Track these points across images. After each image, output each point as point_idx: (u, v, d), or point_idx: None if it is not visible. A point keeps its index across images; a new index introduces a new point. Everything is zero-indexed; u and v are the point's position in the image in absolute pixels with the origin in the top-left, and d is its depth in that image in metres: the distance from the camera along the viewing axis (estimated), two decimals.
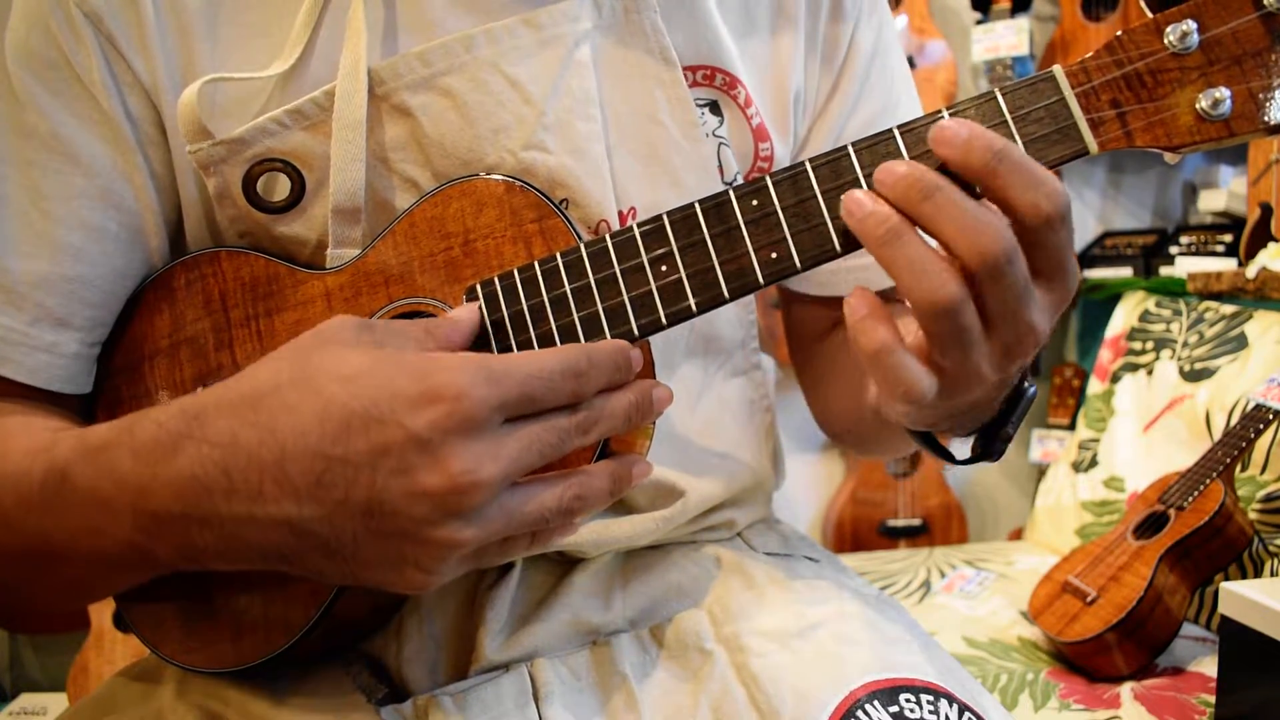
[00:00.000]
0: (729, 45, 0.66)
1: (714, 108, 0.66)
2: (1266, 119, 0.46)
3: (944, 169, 0.46)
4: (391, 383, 0.44)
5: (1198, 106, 0.46)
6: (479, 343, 0.54)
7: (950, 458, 0.59)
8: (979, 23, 2.12)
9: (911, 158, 0.48)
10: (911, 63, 2.10)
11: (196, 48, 0.59)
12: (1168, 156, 0.48)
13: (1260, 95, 0.46)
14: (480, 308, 0.53)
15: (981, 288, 0.45)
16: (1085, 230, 2.24)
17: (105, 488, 0.46)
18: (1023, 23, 2.02)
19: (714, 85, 0.66)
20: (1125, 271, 2.01)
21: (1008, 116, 0.48)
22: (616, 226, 0.61)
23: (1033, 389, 0.55)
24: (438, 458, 0.43)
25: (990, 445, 0.56)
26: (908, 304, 0.46)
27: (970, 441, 0.58)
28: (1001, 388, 0.51)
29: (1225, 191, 1.90)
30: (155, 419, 0.46)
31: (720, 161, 0.66)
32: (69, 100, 0.58)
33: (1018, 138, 0.47)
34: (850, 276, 0.74)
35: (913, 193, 0.45)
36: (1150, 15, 0.48)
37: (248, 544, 0.45)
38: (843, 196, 0.47)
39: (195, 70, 0.58)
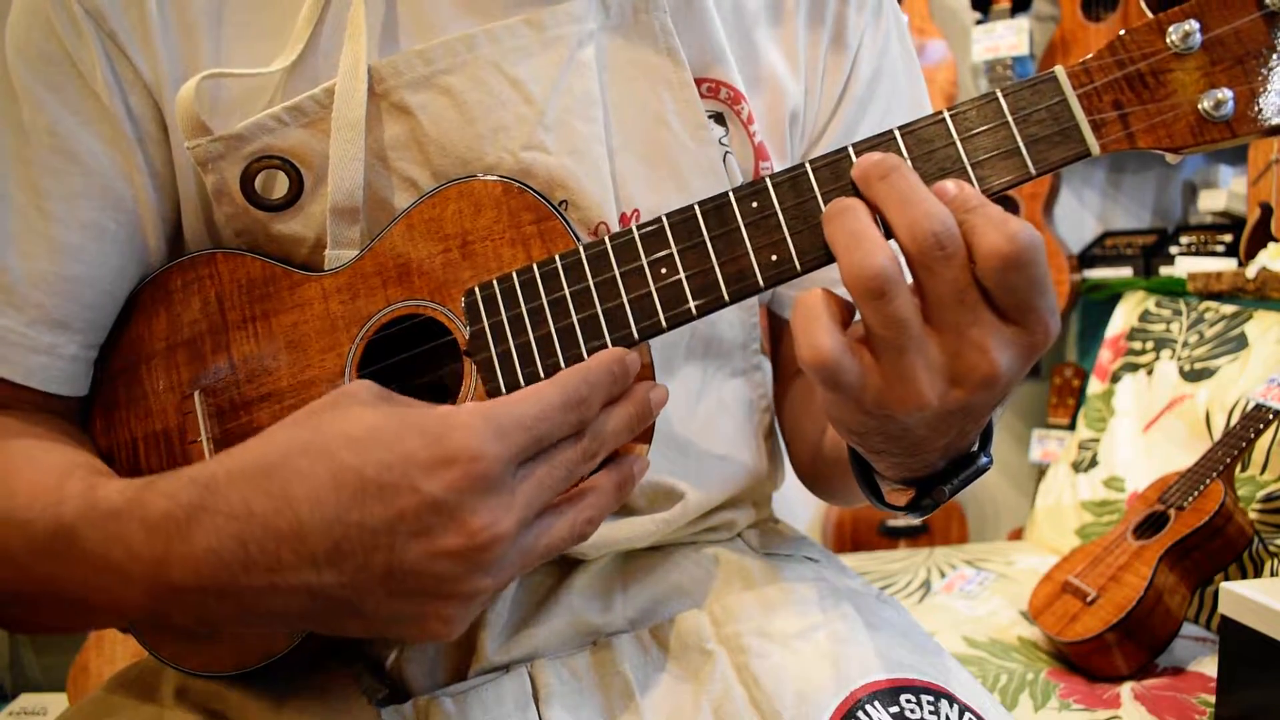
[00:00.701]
0: (732, 61, 0.65)
1: (719, 119, 0.65)
2: (1269, 120, 0.45)
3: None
4: (402, 445, 0.43)
5: (1200, 107, 0.46)
6: (477, 343, 0.54)
7: (880, 500, 0.57)
8: (979, 23, 2.12)
9: (912, 159, 0.48)
10: None
11: (199, 45, 0.58)
12: (1169, 157, 0.48)
13: (1263, 96, 0.45)
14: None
15: (918, 275, 0.44)
16: (1085, 230, 2.24)
17: (118, 556, 0.46)
18: (1023, 23, 2.02)
19: (719, 98, 0.65)
20: (1125, 271, 2.01)
21: (1009, 118, 0.47)
22: (616, 228, 0.60)
23: (987, 460, 0.53)
24: (456, 518, 0.43)
25: (919, 500, 0.54)
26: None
27: (905, 491, 0.55)
28: (961, 441, 0.49)
29: (1225, 191, 1.90)
30: (165, 491, 0.46)
31: (726, 168, 0.65)
32: (70, 98, 0.58)
33: (1019, 139, 0.47)
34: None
35: (872, 172, 0.45)
36: (1150, 15, 0.47)
37: (269, 611, 0.45)
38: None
39: (197, 68, 0.58)
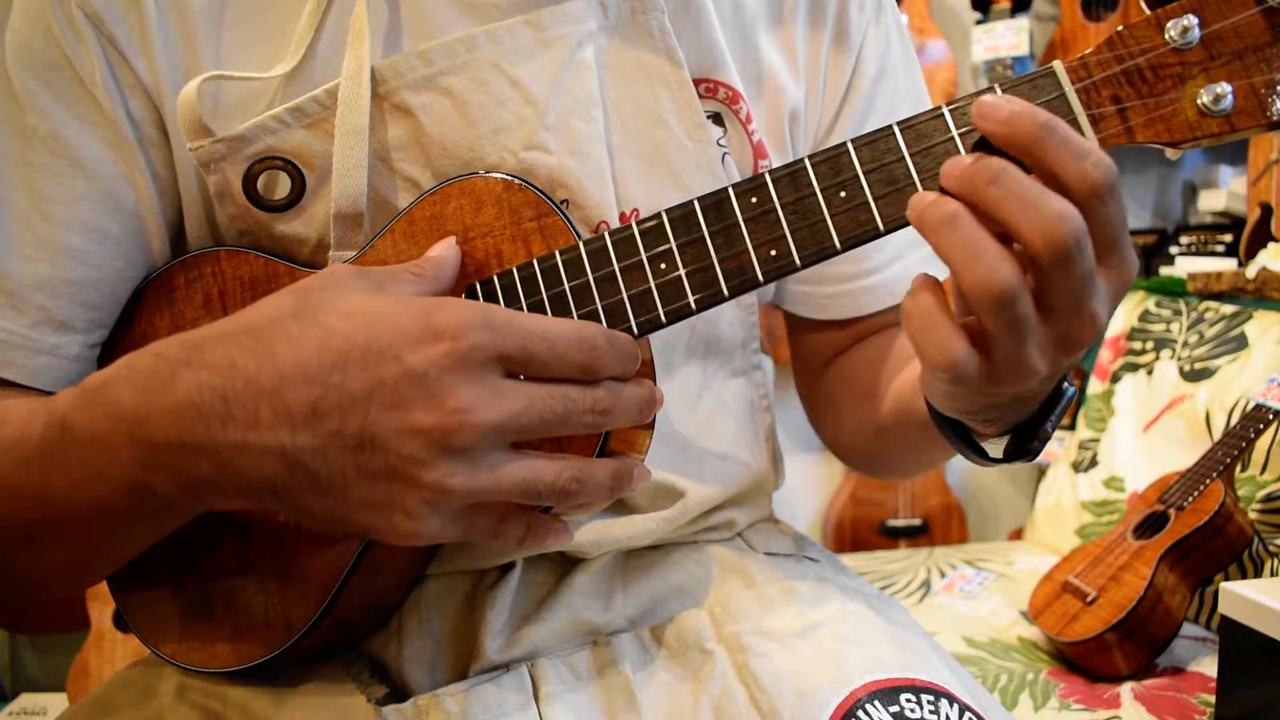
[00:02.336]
0: (730, 61, 0.65)
1: (717, 120, 0.66)
2: (1268, 114, 0.45)
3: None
4: (394, 318, 0.44)
5: (1199, 102, 0.46)
6: None
7: (984, 455, 0.57)
8: (979, 23, 2.12)
9: (911, 154, 0.48)
10: None
11: (199, 49, 0.58)
12: (1169, 152, 0.48)
13: (1262, 90, 0.45)
14: (453, 242, 0.54)
15: (1048, 276, 0.43)
16: None
17: (103, 425, 0.47)
18: (1023, 23, 2.03)
19: (717, 98, 0.65)
20: None
21: None
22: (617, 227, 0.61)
23: (1071, 389, 0.53)
24: (432, 394, 0.43)
25: (1026, 444, 0.54)
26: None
27: (1004, 441, 0.55)
28: (1051, 381, 0.49)
29: (1225, 191, 1.90)
30: (154, 350, 0.47)
31: (724, 169, 0.65)
32: (70, 102, 0.58)
33: None
34: (851, 300, 0.74)
35: (978, 178, 0.43)
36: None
37: (242, 474, 0.45)
38: (910, 199, 0.45)
39: (197, 71, 0.58)
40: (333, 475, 0.45)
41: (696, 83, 0.64)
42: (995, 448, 0.56)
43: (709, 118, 0.65)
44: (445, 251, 0.53)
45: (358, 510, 0.46)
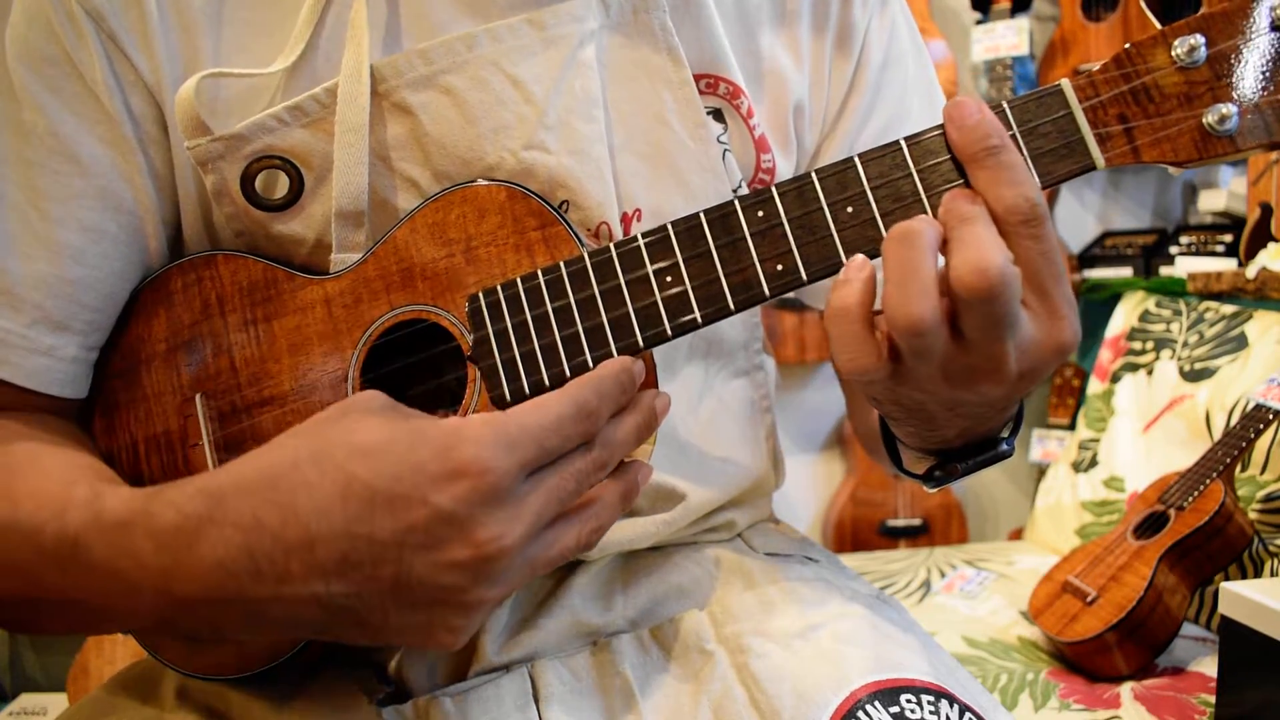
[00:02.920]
0: (731, 55, 0.65)
1: (717, 115, 0.65)
2: (1273, 135, 0.45)
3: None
4: (413, 456, 0.43)
5: (1205, 122, 0.46)
6: (481, 350, 0.54)
7: (899, 465, 0.59)
8: (979, 23, 2.12)
9: (918, 170, 0.48)
10: None
11: (199, 46, 0.58)
12: (1173, 170, 0.48)
13: (1267, 111, 0.45)
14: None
15: (903, 360, 0.45)
16: (1085, 230, 2.24)
17: (126, 567, 0.46)
18: (1023, 23, 2.02)
19: (718, 94, 0.65)
20: (1125, 271, 2.01)
21: (1016, 130, 0.47)
22: (617, 228, 0.60)
23: (1007, 448, 0.55)
24: (465, 530, 0.43)
25: (932, 472, 0.56)
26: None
27: (925, 461, 0.57)
28: (982, 425, 0.51)
29: (1225, 191, 1.90)
30: (173, 502, 0.45)
31: (725, 167, 0.65)
32: (70, 99, 0.58)
33: (1025, 151, 0.47)
34: None
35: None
36: (1150, 15, 0.47)
37: (277, 620, 0.45)
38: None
39: (197, 68, 0.58)
40: (372, 611, 0.45)
41: (697, 78, 0.64)
42: (918, 464, 0.58)
43: (710, 114, 0.65)
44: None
45: (398, 635, 0.46)
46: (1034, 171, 0.47)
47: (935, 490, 0.57)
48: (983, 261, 0.42)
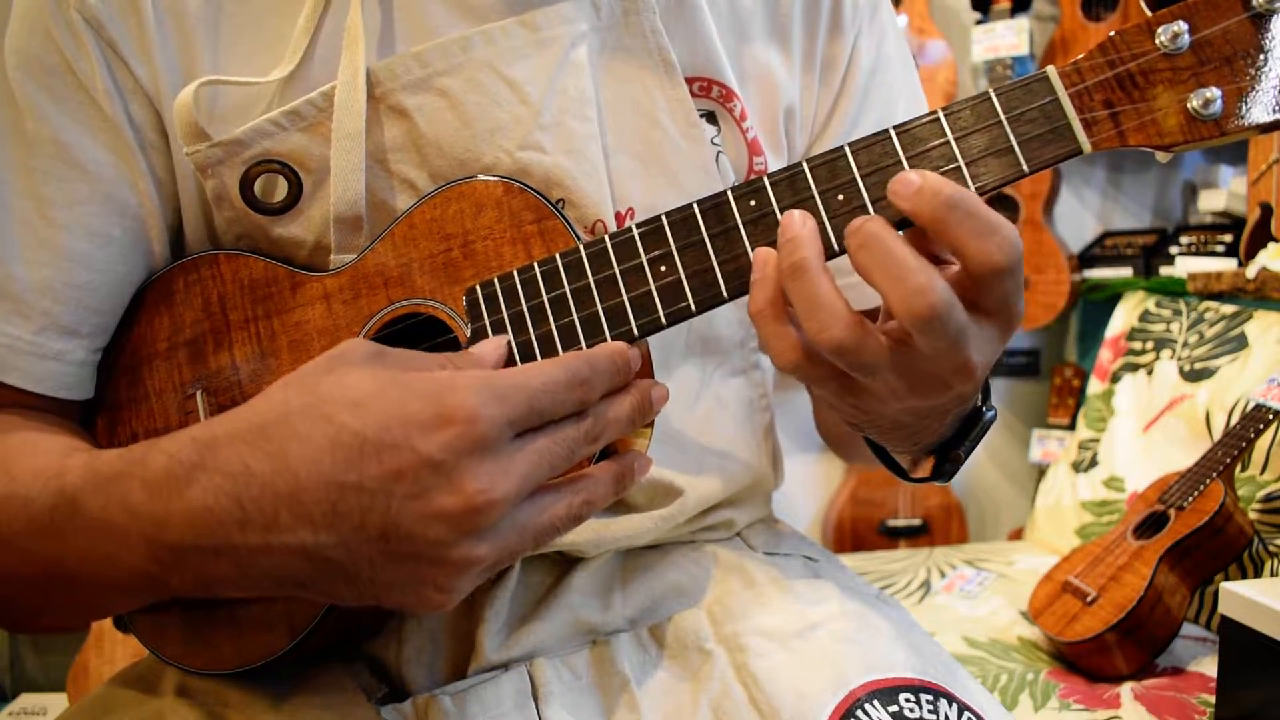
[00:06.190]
0: (724, 59, 0.66)
1: (710, 118, 0.66)
2: (1257, 118, 0.46)
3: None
4: (402, 406, 0.44)
5: (1189, 106, 0.46)
6: (479, 340, 0.54)
7: (905, 474, 0.60)
8: (979, 23, 2.12)
9: (908, 158, 0.48)
10: None
11: (197, 53, 0.59)
12: (1159, 155, 0.48)
13: (1250, 95, 0.46)
14: (509, 342, 0.53)
15: (909, 340, 0.45)
16: (1085, 230, 2.24)
17: (118, 517, 0.46)
18: (1023, 23, 2.02)
19: (710, 97, 0.66)
20: (1125, 271, 2.01)
21: (1002, 117, 0.48)
22: (612, 226, 0.61)
23: (991, 413, 0.56)
24: (452, 479, 0.43)
25: (940, 466, 0.57)
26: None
27: (927, 462, 0.58)
28: (961, 403, 0.52)
29: (1225, 191, 1.90)
30: (166, 450, 0.46)
31: (719, 168, 0.66)
32: (72, 107, 0.58)
33: (1012, 137, 0.48)
34: (853, 292, 0.74)
35: (851, 240, 0.45)
36: (1150, 15, 0.48)
37: (264, 573, 0.45)
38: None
39: (195, 75, 0.58)
40: (359, 565, 0.45)
41: (690, 81, 0.64)
42: (922, 468, 0.59)
43: (703, 116, 0.65)
44: (489, 350, 0.52)
45: (387, 591, 0.46)
46: (1022, 157, 0.47)
47: (947, 482, 0.58)
48: (914, 288, 0.43)
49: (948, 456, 0.56)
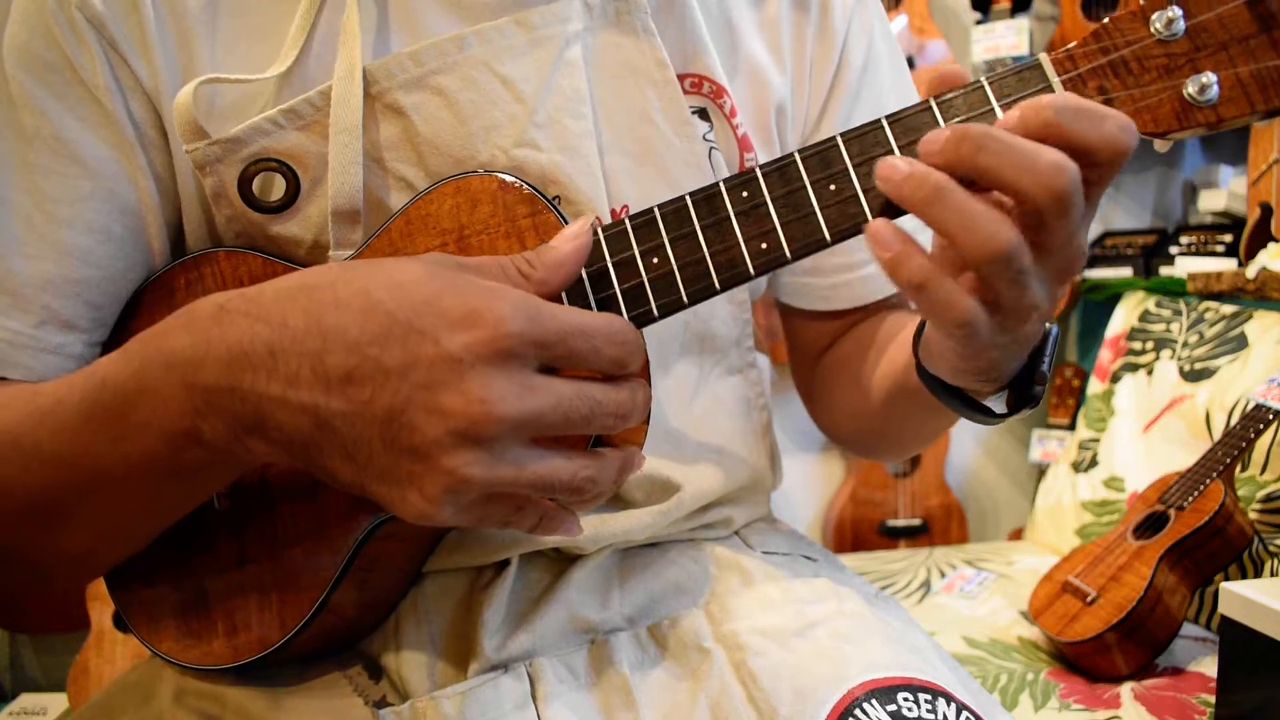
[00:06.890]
0: (714, 55, 0.66)
1: (702, 114, 0.66)
2: (1254, 104, 0.46)
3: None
4: (439, 299, 0.44)
5: (1185, 92, 0.46)
6: None
7: (989, 413, 0.57)
8: (979, 23, 2.12)
9: (900, 147, 0.48)
10: (911, 63, 2.10)
11: (196, 51, 0.59)
12: (1158, 144, 0.48)
13: (1247, 80, 0.46)
14: (595, 227, 0.52)
15: (1048, 224, 0.44)
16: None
17: (154, 374, 0.47)
18: (1023, 23, 2.02)
19: (701, 93, 0.66)
20: (1125, 271, 2.01)
21: (995, 105, 0.48)
22: (608, 222, 0.61)
23: (1055, 329, 0.55)
24: (463, 380, 0.43)
25: (1027, 390, 0.55)
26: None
27: (1004, 396, 0.56)
28: (1042, 321, 0.50)
29: (1225, 191, 1.90)
30: (217, 301, 0.47)
31: (711, 164, 0.66)
32: (73, 103, 0.58)
33: None
34: (849, 290, 0.75)
35: (964, 147, 0.44)
36: None
37: (278, 426, 0.46)
38: (877, 163, 0.46)
39: (194, 73, 0.59)
40: (359, 442, 0.45)
41: (681, 78, 0.65)
42: (999, 404, 0.57)
43: (695, 113, 0.65)
44: (565, 248, 0.50)
45: (376, 481, 0.46)
46: None
47: (1035, 407, 0.56)
48: (1051, 165, 0.42)
49: (1032, 378, 0.54)
